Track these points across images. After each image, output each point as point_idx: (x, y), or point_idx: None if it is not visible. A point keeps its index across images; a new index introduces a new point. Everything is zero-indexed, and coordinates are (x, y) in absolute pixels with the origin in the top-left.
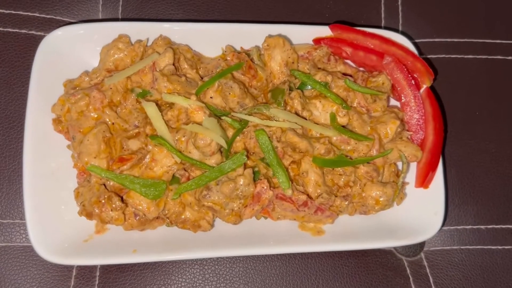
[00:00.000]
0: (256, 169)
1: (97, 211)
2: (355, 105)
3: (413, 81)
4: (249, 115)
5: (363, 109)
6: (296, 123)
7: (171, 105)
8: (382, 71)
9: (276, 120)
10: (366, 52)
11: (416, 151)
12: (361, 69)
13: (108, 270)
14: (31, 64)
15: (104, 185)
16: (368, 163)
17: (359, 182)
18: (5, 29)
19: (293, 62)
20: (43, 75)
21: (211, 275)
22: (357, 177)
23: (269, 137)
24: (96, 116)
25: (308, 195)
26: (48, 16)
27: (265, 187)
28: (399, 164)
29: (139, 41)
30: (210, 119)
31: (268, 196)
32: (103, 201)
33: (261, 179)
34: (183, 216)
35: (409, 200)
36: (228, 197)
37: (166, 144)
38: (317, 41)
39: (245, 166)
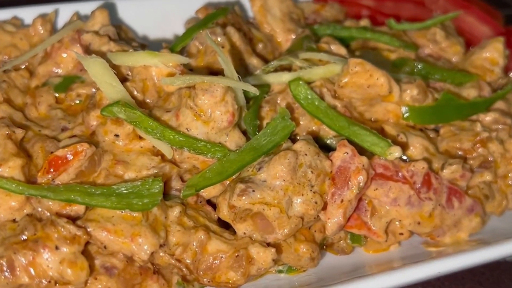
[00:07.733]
0: None
1: (23, 260)
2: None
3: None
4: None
5: (431, 59)
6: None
7: (125, 79)
8: (429, 16)
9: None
10: (396, 1)
11: None
12: None
13: None
14: None
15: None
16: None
17: (493, 133)
18: None
19: (299, 20)
20: None
21: None
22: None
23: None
24: None
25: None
26: None
27: (349, 152)
28: None
29: (42, 16)
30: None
31: (360, 163)
32: (33, 234)
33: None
34: (209, 250)
35: None
36: (289, 184)
37: (141, 116)
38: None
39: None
